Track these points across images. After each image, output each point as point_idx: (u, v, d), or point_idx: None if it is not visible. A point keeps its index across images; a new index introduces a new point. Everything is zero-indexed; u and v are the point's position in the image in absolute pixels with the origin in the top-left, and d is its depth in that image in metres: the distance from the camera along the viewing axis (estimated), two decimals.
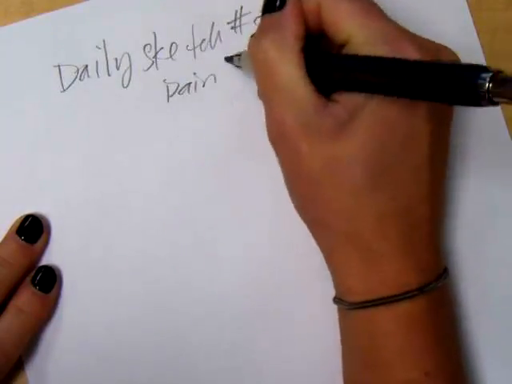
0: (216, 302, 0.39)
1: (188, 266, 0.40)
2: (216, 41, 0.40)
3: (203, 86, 0.40)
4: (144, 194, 0.40)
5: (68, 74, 0.40)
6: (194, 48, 0.40)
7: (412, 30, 0.34)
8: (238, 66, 0.39)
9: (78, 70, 0.40)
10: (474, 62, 0.29)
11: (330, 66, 0.33)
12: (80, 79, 0.40)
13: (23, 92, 0.40)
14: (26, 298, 0.38)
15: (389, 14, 0.34)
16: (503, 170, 0.41)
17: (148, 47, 0.40)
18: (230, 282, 0.39)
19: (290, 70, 0.32)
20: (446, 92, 0.28)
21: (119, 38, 0.40)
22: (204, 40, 0.40)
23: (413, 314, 0.32)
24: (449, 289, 0.36)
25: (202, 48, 0.40)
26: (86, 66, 0.40)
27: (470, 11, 0.41)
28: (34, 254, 0.39)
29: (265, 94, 0.34)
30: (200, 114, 0.40)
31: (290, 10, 0.33)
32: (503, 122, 0.40)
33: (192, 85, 0.40)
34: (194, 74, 0.40)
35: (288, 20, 0.33)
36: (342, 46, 0.33)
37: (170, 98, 0.40)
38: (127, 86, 0.40)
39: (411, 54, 0.31)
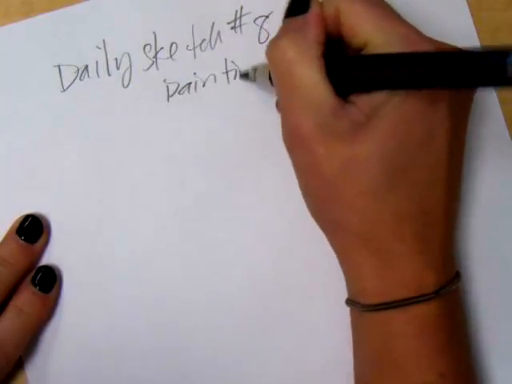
0: (219, 303, 0.39)
1: (189, 266, 0.39)
2: (216, 41, 0.40)
3: (203, 86, 0.40)
4: (144, 193, 0.40)
5: (68, 73, 0.40)
6: (194, 48, 0.40)
7: None
8: (253, 81, 0.39)
9: (78, 70, 0.40)
10: None
11: (349, 67, 0.33)
12: (80, 79, 0.40)
13: (23, 92, 0.40)
14: (26, 298, 0.38)
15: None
16: (503, 170, 0.40)
17: (148, 47, 0.40)
18: (234, 284, 0.39)
19: (309, 72, 0.32)
20: (475, 76, 0.29)
21: (119, 37, 0.40)
22: (204, 40, 0.40)
23: (428, 317, 0.32)
24: (461, 291, 0.36)
25: (202, 48, 0.40)
26: (86, 65, 0.40)
27: (470, 11, 0.41)
28: (34, 254, 0.39)
29: (282, 95, 0.34)
30: (200, 114, 0.40)
31: (313, 15, 0.34)
32: (503, 122, 0.40)
33: (192, 85, 0.40)
34: (194, 74, 0.40)
35: (311, 24, 0.33)
36: (360, 50, 0.34)
37: (170, 98, 0.40)
38: (127, 85, 0.40)
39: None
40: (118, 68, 0.40)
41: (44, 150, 0.40)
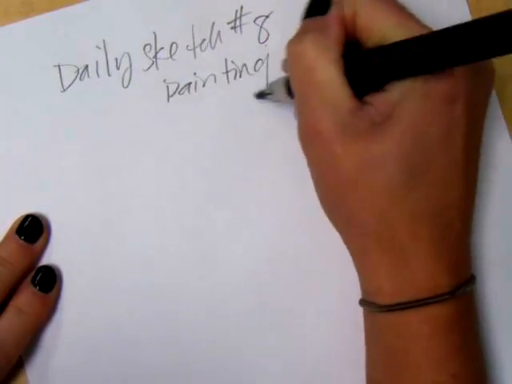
0: (219, 302, 0.39)
1: (189, 265, 0.40)
2: (216, 41, 0.40)
3: (203, 85, 0.40)
4: (144, 193, 0.40)
5: (68, 73, 0.40)
6: (194, 48, 0.40)
7: None
8: (269, 96, 0.39)
9: (78, 70, 0.40)
10: None
11: (366, 60, 0.33)
12: (80, 79, 0.40)
13: (23, 92, 0.40)
14: (26, 298, 0.38)
15: None
16: (503, 171, 0.40)
17: (148, 47, 0.40)
18: (232, 282, 0.39)
19: (329, 71, 0.33)
20: (495, 42, 0.29)
21: (119, 37, 0.40)
22: (204, 40, 0.40)
23: (442, 318, 0.32)
24: (474, 293, 0.36)
25: (202, 48, 0.40)
26: (86, 65, 0.40)
27: (470, 11, 0.41)
28: (33, 254, 0.39)
29: (301, 93, 0.34)
30: (200, 114, 0.40)
31: (334, 16, 0.34)
32: (503, 122, 0.40)
33: (192, 85, 0.40)
34: (194, 74, 0.40)
35: (332, 25, 0.33)
36: None
37: (170, 98, 0.40)
38: (127, 85, 0.40)
39: None
40: (118, 68, 0.40)
41: (44, 149, 0.40)
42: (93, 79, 0.40)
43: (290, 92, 0.36)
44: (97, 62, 0.40)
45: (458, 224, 0.33)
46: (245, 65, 0.40)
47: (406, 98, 0.32)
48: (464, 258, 0.34)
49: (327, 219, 0.36)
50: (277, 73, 0.40)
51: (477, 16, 0.41)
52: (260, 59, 0.40)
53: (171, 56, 0.40)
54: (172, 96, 0.40)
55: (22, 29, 0.40)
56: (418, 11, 0.39)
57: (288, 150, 0.40)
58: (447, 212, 0.32)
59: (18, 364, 0.39)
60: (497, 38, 0.29)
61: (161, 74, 0.40)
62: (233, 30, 0.40)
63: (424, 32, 0.32)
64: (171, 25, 0.40)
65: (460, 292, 0.32)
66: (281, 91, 0.37)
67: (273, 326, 0.39)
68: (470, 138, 0.33)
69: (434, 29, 0.32)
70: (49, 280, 0.38)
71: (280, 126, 0.40)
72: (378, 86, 0.33)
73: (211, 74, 0.40)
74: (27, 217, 0.39)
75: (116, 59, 0.40)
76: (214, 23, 0.40)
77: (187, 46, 0.40)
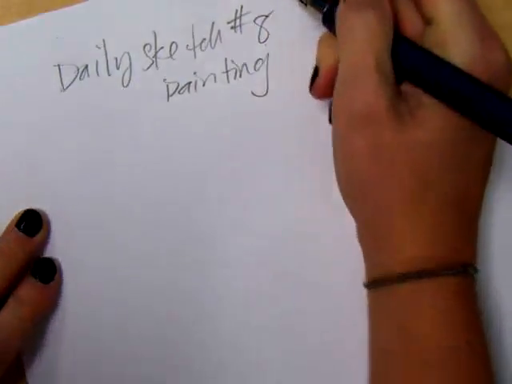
0: (219, 299, 0.39)
1: (188, 259, 0.40)
2: (216, 40, 0.40)
3: (203, 85, 0.40)
4: (144, 192, 0.40)
5: (68, 73, 0.40)
6: (194, 48, 0.40)
7: None
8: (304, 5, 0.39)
9: (78, 70, 0.40)
10: None
11: (421, 61, 0.33)
12: (80, 79, 0.40)
13: (23, 92, 0.40)
14: (27, 289, 0.38)
15: None
16: (504, 172, 0.40)
17: (148, 47, 0.40)
18: (232, 281, 0.39)
19: (383, 50, 0.33)
20: None
21: (119, 37, 0.40)
22: (204, 39, 0.40)
23: (457, 289, 0.33)
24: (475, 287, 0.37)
25: (202, 48, 0.40)
26: (86, 65, 0.40)
27: None
28: (33, 247, 0.39)
29: (349, 70, 0.34)
30: (200, 114, 0.40)
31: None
32: None
33: (192, 84, 0.40)
34: (194, 73, 0.40)
35: (383, 2, 0.34)
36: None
37: (170, 98, 0.40)
38: (127, 85, 0.40)
39: (499, 55, 0.33)
40: (117, 67, 0.40)
41: (44, 149, 0.40)
42: (93, 79, 0.40)
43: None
44: (97, 62, 0.40)
45: (475, 214, 0.35)
46: (245, 64, 0.40)
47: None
48: (474, 241, 0.35)
49: (331, 218, 0.36)
50: (277, 72, 0.40)
51: None
52: (260, 59, 0.40)
53: (171, 55, 0.40)
54: (172, 95, 0.40)
55: (21, 29, 0.40)
56: None
57: (289, 150, 0.40)
58: (469, 201, 0.34)
59: (18, 364, 0.39)
60: None
61: (161, 74, 0.40)
62: (233, 30, 0.40)
63: (482, 27, 0.33)
64: (171, 24, 0.40)
65: (471, 269, 0.34)
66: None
67: (273, 326, 0.39)
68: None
69: None
70: (48, 271, 0.39)
71: (281, 125, 0.40)
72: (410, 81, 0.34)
73: (211, 74, 0.40)
74: (27, 211, 0.39)
75: (116, 59, 0.40)
76: (213, 23, 0.40)
77: (187, 45, 0.40)
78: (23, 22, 0.40)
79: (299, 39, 0.40)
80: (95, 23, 0.40)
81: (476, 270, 0.34)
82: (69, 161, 0.40)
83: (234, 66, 0.40)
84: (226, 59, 0.40)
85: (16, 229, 0.38)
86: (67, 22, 0.40)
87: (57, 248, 0.40)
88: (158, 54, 0.40)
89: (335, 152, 0.35)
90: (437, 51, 0.33)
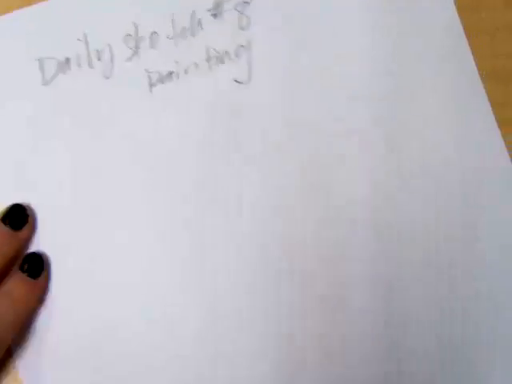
0: (214, 298, 0.39)
1: (181, 255, 0.39)
2: (197, 28, 0.40)
3: (185, 73, 0.40)
4: (130, 185, 0.40)
5: (50, 66, 0.40)
6: (175, 36, 0.40)
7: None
8: None
9: (59, 63, 0.40)
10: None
11: None
12: (62, 72, 0.40)
13: (5, 86, 0.40)
14: (15, 284, 0.38)
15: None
16: (497, 175, 0.40)
17: (129, 37, 0.40)
18: (230, 280, 0.39)
19: None
20: None
21: (100, 29, 0.40)
22: (185, 28, 0.40)
23: None
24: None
25: (183, 36, 0.40)
26: (68, 58, 0.40)
27: (470, 11, 0.41)
28: (19, 241, 0.39)
29: None
30: (182, 102, 0.40)
31: None
32: (495, 127, 0.40)
33: (174, 73, 0.40)
34: (176, 62, 0.40)
35: None
36: None
37: (152, 88, 0.40)
38: (109, 77, 0.40)
39: None
40: (99, 59, 0.40)
41: (27, 144, 0.40)
42: (75, 72, 0.40)
43: None
44: (78, 55, 0.40)
45: None
46: (226, 52, 0.40)
47: None
48: None
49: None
50: (259, 59, 0.40)
51: (476, 16, 0.41)
52: (242, 46, 0.40)
53: (152, 45, 0.40)
54: (154, 85, 0.40)
55: (1, 23, 0.40)
56: (404, 5, 0.39)
57: (273, 135, 0.39)
58: None
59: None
60: None
61: (142, 64, 0.40)
62: (213, 17, 0.40)
63: None
64: (151, 14, 0.40)
65: None
66: None
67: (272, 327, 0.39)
68: None
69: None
70: (37, 265, 0.38)
71: (265, 112, 0.40)
72: None
73: (193, 62, 0.40)
74: (11, 205, 0.39)
75: (97, 51, 0.40)
76: (194, 11, 0.40)
77: (168, 35, 0.40)
78: (2, 17, 0.40)
79: (281, 25, 0.40)
80: (75, 16, 0.40)
81: None
82: (53, 154, 0.40)
83: (215, 53, 0.40)
84: (207, 47, 0.40)
85: (1, 223, 0.38)
86: (47, 15, 0.40)
87: (45, 243, 0.39)
88: (139, 45, 0.40)
89: None
90: None
